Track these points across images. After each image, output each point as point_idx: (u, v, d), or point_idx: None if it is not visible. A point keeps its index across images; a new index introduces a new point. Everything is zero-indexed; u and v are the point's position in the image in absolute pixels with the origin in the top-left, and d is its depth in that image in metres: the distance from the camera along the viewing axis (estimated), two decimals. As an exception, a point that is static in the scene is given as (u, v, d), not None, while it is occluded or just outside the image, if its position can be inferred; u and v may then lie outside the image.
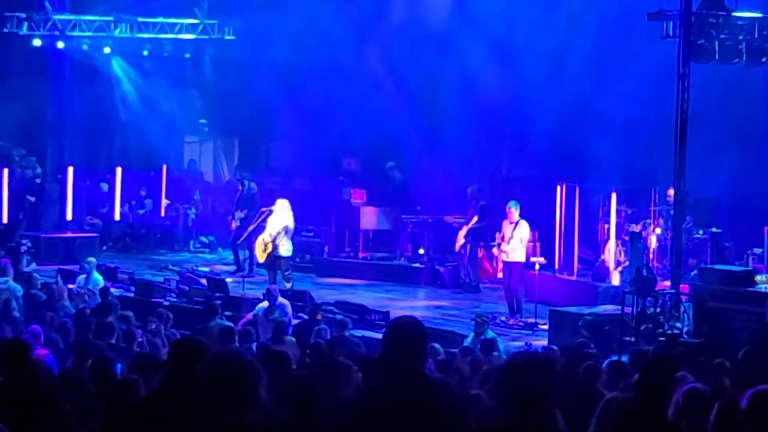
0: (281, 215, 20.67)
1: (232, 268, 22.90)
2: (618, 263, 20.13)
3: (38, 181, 25.64)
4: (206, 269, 22.76)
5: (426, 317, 17.59)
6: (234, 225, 22.89)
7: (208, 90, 27.26)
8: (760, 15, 17.59)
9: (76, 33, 25.92)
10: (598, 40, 21.43)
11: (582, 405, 8.37)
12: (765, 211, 19.65)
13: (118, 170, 26.01)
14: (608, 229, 20.45)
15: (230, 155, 29.30)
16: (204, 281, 20.04)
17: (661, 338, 15.31)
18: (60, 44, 26.06)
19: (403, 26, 23.77)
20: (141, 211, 26.61)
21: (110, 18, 26.04)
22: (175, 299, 19.01)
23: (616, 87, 21.09)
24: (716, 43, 17.19)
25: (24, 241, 21.90)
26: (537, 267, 19.78)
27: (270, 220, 20.72)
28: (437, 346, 13.30)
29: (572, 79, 21.65)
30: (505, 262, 19.62)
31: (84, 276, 18.68)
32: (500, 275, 20.41)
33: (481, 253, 22.06)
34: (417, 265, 22.98)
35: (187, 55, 27.38)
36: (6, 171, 24.64)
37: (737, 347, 12.73)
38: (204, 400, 4.85)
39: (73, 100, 26.63)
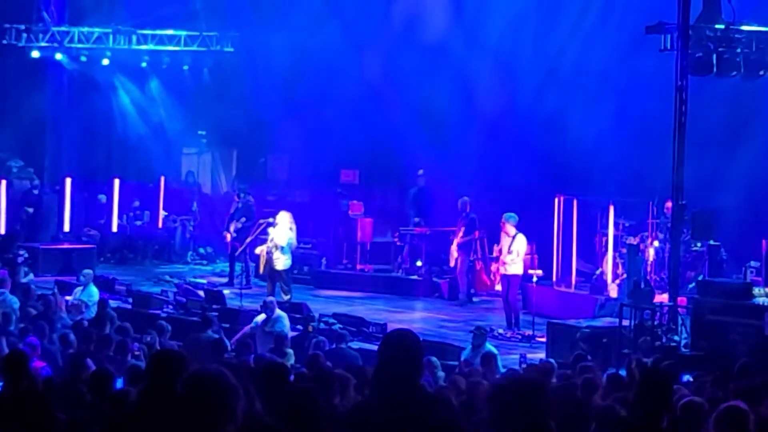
0: (285, 229, 20.62)
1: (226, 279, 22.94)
2: (616, 276, 20.14)
3: (36, 192, 25.62)
4: (203, 281, 22.74)
5: (423, 329, 17.62)
6: (229, 238, 22.89)
7: (207, 102, 27.26)
8: (758, 28, 17.62)
9: (74, 45, 25.94)
10: (598, 52, 21.46)
11: (580, 418, 8.36)
12: (763, 224, 19.67)
13: (116, 182, 25.99)
14: (606, 241, 20.46)
15: (228, 167, 29.30)
16: (201, 293, 20.03)
17: (659, 351, 15.30)
18: (58, 56, 26.07)
19: (401, 38, 23.79)
20: (138, 223, 26.60)
21: (109, 30, 26.05)
22: (172, 311, 19.00)
23: (614, 99, 21.13)
24: (714, 56, 17.22)
25: (21, 252, 21.89)
26: (534, 279, 19.79)
27: (272, 232, 20.69)
28: (434, 359, 13.31)
29: (570, 91, 21.68)
30: (503, 275, 19.64)
31: (81, 288, 18.68)
32: (498, 287, 20.42)
33: (479, 265, 22.06)
34: (415, 277, 22.97)
35: (186, 67, 27.41)
36: (4, 182, 24.62)
37: (735, 360, 12.73)
38: (181, 417, 4.85)
39: (72, 112, 26.63)
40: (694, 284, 18.64)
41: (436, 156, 23.07)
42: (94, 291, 18.57)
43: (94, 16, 26.23)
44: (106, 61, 26.61)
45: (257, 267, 21.75)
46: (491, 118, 22.73)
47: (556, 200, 20.82)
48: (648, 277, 19.56)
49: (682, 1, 16.40)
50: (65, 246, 24.22)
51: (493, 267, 20.35)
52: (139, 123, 27.68)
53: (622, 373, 12.37)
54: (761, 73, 17.69)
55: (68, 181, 25.35)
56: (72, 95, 26.76)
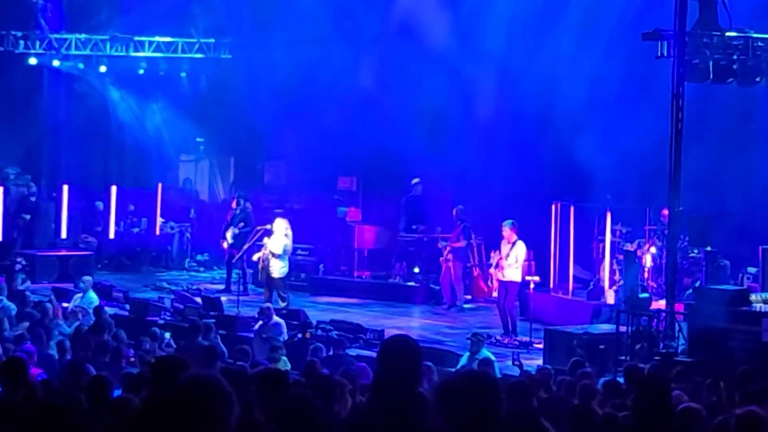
0: (280, 236, 20.62)
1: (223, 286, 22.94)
2: (613, 282, 20.14)
3: (33, 199, 25.61)
4: (200, 288, 22.73)
5: (421, 336, 17.61)
6: (225, 245, 22.88)
7: (204, 109, 27.25)
8: (754, 35, 17.65)
9: (72, 52, 25.94)
10: (595, 59, 21.48)
11: (578, 424, 8.37)
12: (760, 231, 19.68)
13: (113, 188, 25.98)
14: (603, 248, 20.46)
15: (226, 174, 29.30)
16: (199, 300, 20.03)
17: (656, 357, 15.31)
18: (56, 63, 26.07)
19: (398, 45, 23.80)
20: (136, 230, 26.59)
21: (106, 37, 26.06)
22: (170, 318, 19.00)
23: (611, 106, 21.14)
24: (710, 62, 17.25)
25: (19, 259, 21.90)
26: (532, 286, 19.79)
27: (267, 240, 20.70)
28: (431, 365, 13.29)
29: (567, 98, 21.69)
30: (500, 282, 19.63)
31: (80, 294, 18.67)
32: (495, 294, 20.41)
33: (476, 272, 22.06)
34: (412, 283, 22.98)
35: (183, 74, 27.41)
36: (1, 189, 24.61)
37: (732, 366, 12.74)
38: (173, 423, 4.85)
39: (69, 118, 26.62)
40: (691, 291, 18.64)
41: (434, 163, 23.08)
42: (94, 297, 18.57)
43: (91, 24, 26.24)
44: (103, 68, 26.60)
45: (256, 273, 21.75)
46: (489, 124, 22.73)
47: (553, 206, 20.83)
48: (645, 284, 19.57)
49: (679, 8, 16.44)
50: (62, 253, 24.20)
51: (492, 271, 20.33)
52: (137, 130, 27.67)
53: (620, 379, 12.38)
54: (758, 79, 17.70)
55: (65, 188, 25.34)
56: (69, 102, 26.75)
